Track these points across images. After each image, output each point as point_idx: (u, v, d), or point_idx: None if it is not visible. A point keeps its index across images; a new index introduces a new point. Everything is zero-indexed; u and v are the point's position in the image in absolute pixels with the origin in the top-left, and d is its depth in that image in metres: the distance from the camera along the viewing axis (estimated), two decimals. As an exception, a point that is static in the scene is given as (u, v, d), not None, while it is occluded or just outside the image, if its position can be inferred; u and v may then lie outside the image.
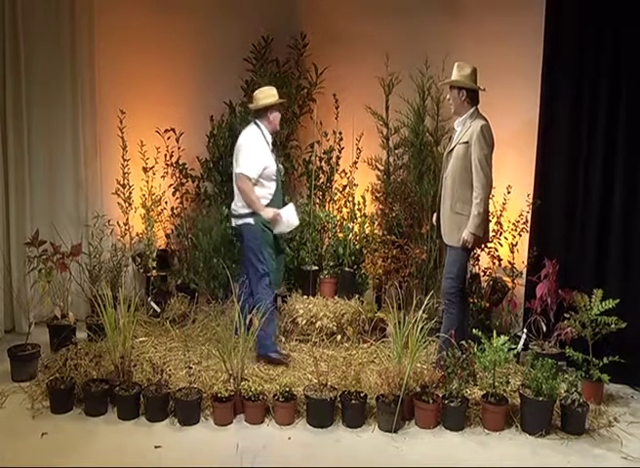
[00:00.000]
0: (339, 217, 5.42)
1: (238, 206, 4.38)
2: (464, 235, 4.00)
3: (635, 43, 4.15)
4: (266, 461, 3.27)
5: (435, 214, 4.36)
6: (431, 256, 5.08)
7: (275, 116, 4.44)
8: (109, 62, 5.31)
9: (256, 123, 4.44)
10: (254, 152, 4.30)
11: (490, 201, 4.25)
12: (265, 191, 4.35)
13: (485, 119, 4.03)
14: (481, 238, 4.11)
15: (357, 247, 5.23)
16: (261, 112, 4.41)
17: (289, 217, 4.36)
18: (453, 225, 4.09)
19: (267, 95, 4.39)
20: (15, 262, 4.94)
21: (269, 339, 4.32)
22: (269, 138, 4.44)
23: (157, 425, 3.61)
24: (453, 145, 4.10)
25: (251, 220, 4.31)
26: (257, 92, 4.46)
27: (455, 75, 4.08)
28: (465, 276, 4.26)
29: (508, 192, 4.79)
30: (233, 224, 4.50)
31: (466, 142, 3.99)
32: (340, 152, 5.47)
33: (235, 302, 3.83)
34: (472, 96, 4.07)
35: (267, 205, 4.32)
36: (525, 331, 4.48)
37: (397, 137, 5.33)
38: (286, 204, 4.48)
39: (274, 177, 4.40)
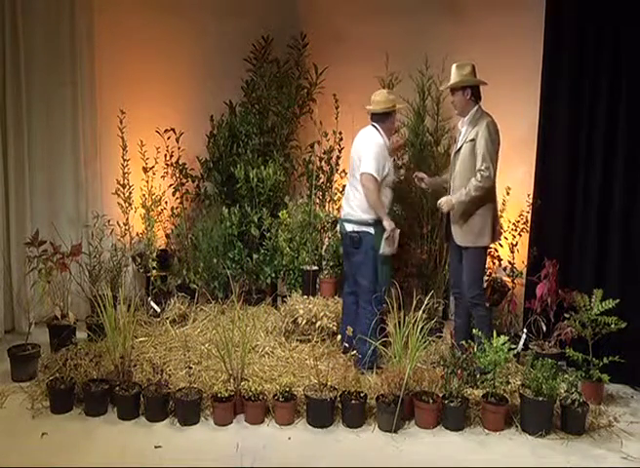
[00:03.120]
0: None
1: (356, 210, 4.21)
2: (444, 199, 4.03)
3: (635, 43, 4.15)
4: (266, 461, 3.27)
5: (443, 217, 4.36)
6: (431, 256, 5.08)
7: (394, 122, 4.36)
8: (109, 62, 5.30)
9: (375, 126, 4.30)
10: (379, 154, 4.17)
11: (497, 203, 4.26)
12: (385, 200, 4.24)
13: (490, 116, 4.06)
14: (490, 234, 4.10)
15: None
16: (381, 117, 4.27)
17: (398, 240, 4.20)
18: (465, 226, 4.09)
19: (388, 99, 4.26)
20: (15, 262, 4.94)
21: (364, 356, 4.08)
22: (388, 144, 4.31)
23: (157, 425, 3.61)
24: (459, 145, 4.11)
25: (370, 230, 4.17)
26: (377, 94, 4.31)
27: (456, 76, 4.08)
28: (484, 274, 4.29)
29: (507, 193, 4.79)
30: (349, 229, 4.26)
31: (473, 140, 4.01)
32: (340, 152, 5.46)
33: (235, 302, 3.80)
34: (476, 93, 4.09)
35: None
36: (525, 331, 4.48)
37: (397, 138, 5.32)
38: None
39: (392, 187, 4.29)
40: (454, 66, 4.11)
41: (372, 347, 3.93)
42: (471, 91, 4.07)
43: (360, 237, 4.21)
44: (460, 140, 4.14)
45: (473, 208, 4.05)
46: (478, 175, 3.95)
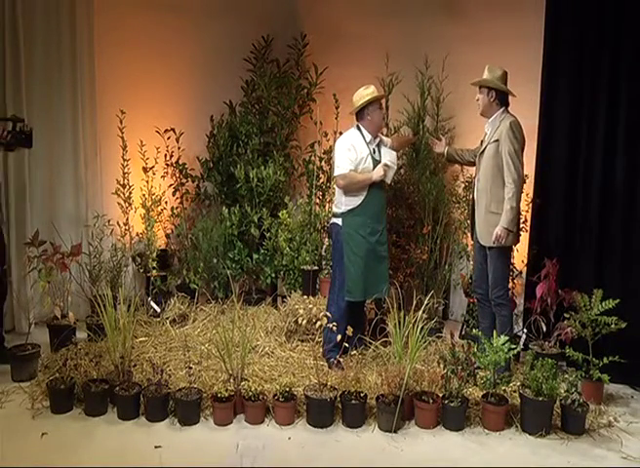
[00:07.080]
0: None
1: (335, 204, 4.39)
2: (497, 230, 3.97)
3: (635, 43, 4.15)
4: (266, 461, 3.27)
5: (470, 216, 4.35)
6: (432, 257, 5.08)
7: (374, 114, 4.27)
8: (109, 62, 5.30)
9: (357, 127, 4.33)
10: (344, 149, 4.23)
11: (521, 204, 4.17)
12: (356, 193, 4.24)
13: (514, 116, 4.05)
14: (515, 234, 4.08)
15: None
16: (359, 114, 4.30)
17: (391, 158, 4.29)
18: (489, 226, 4.06)
19: (361, 95, 4.27)
20: (15, 262, 4.93)
21: (327, 345, 4.33)
22: (368, 138, 4.28)
23: (157, 425, 3.61)
24: (484, 146, 4.11)
25: (338, 221, 4.29)
26: (354, 95, 4.31)
27: (485, 75, 4.08)
28: (509, 274, 4.26)
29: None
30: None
31: (497, 141, 4.00)
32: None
33: (235, 302, 3.82)
34: (502, 98, 4.07)
35: (356, 209, 4.22)
36: (525, 330, 4.48)
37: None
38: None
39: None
40: (486, 67, 4.10)
41: (333, 340, 4.06)
42: (496, 94, 4.04)
43: (331, 228, 4.47)
44: (484, 142, 4.13)
45: (499, 207, 4.01)
46: (506, 198, 3.95)
